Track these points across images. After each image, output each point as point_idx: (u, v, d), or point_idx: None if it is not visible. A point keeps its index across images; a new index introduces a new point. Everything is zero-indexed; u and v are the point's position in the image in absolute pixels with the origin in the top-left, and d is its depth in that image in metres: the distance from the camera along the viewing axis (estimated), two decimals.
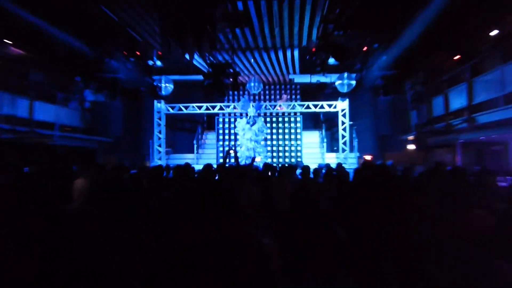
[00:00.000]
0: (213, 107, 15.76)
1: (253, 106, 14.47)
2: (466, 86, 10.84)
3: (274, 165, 8.24)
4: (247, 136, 14.08)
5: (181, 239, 1.91)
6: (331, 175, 5.25)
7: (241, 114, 15.60)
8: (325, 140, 16.68)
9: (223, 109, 15.88)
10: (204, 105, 15.63)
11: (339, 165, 7.75)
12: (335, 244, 2.26)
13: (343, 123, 15.18)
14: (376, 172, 4.57)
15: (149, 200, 2.96)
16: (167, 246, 1.95)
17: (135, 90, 14.46)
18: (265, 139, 15.68)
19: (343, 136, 15.16)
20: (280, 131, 16.66)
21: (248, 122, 14.32)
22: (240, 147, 14.15)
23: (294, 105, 15.66)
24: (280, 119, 16.82)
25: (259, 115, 14.88)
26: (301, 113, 16.31)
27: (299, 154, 16.34)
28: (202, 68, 13.11)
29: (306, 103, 15.57)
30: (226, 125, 16.67)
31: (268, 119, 16.68)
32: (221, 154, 15.88)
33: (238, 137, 14.69)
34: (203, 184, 3.24)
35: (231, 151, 12.89)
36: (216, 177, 5.11)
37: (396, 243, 2.09)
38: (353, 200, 3.09)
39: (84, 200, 3.41)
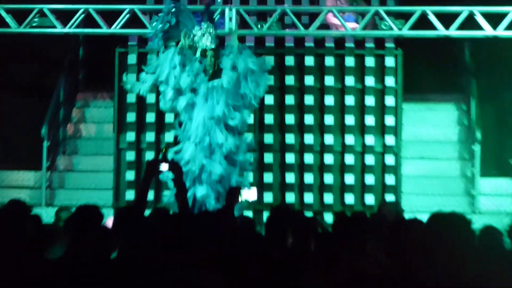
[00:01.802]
0: (109, 21, 7.91)
1: (202, 22, 6.33)
2: None
3: (308, 215, 4.98)
4: (201, 112, 6.45)
5: None
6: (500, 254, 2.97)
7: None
8: (477, 130, 8.06)
9: (145, 27, 7.54)
10: (82, 8, 7.81)
11: None
12: None
13: None
14: None
15: None
16: None
17: None
18: (284, 127, 8.02)
19: None
20: (329, 100, 7.91)
21: (204, 68, 6.35)
22: (185, 150, 6.23)
23: (381, 18, 7.32)
24: (331, 62, 7.90)
25: (243, 42, 7.20)
26: (400, 42, 8.01)
27: (390, 177, 7.73)
28: None
29: (416, 10, 7.31)
30: (151, 77, 7.87)
31: (290, 63, 7.96)
32: (130, 173, 8.69)
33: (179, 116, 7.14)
34: None
35: (163, 166, 4.20)
36: (114, 255, 2.86)
37: None
38: None
39: None
